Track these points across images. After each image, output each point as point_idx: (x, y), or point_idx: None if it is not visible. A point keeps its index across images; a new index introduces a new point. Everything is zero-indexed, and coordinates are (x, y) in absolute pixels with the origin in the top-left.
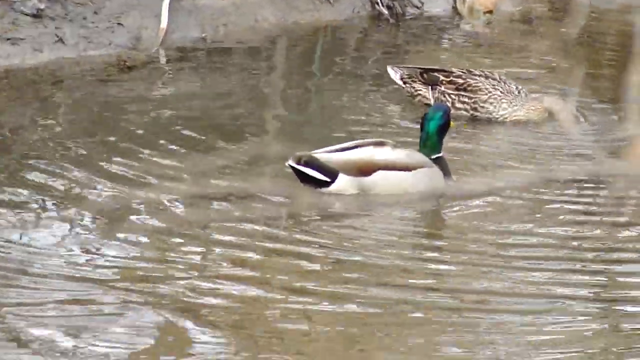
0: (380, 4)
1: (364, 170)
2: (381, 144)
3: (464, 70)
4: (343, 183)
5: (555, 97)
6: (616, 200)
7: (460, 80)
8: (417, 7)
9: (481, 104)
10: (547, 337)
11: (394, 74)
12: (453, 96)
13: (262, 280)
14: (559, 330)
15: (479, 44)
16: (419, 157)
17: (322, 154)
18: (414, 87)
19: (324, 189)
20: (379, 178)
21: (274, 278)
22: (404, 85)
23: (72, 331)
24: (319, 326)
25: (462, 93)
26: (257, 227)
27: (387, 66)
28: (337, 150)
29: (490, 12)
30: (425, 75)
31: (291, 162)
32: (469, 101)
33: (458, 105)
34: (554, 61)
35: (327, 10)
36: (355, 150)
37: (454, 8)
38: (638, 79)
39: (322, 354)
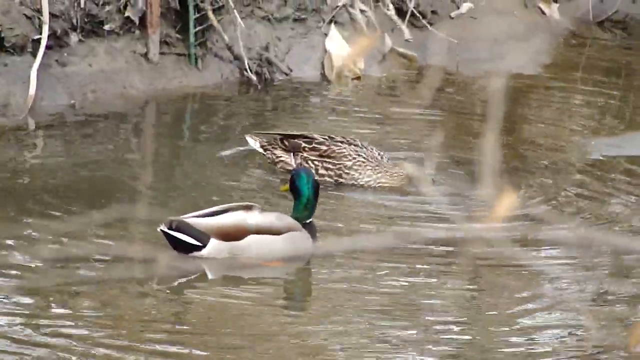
0: (248, 70)
1: (236, 234)
2: (249, 207)
3: (325, 137)
4: (215, 248)
5: (414, 163)
6: (472, 262)
7: (324, 147)
8: (286, 74)
9: (346, 171)
10: None
11: (253, 142)
12: (316, 162)
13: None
14: None
15: (346, 110)
16: (288, 220)
17: (194, 219)
18: (275, 154)
19: (196, 254)
20: (250, 242)
21: (136, 340)
22: (264, 153)
23: None
24: None
25: (326, 159)
26: (120, 292)
27: (245, 135)
28: (206, 215)
29: (358, 78)
30: (285, 142)
31: (163, 227)
32: (334, 167)
33: (322, 171)
34: (415, 125)
35: (195, 76)
36: (226, 214)
37: (323, 74)
38: (492, 143)
39: None
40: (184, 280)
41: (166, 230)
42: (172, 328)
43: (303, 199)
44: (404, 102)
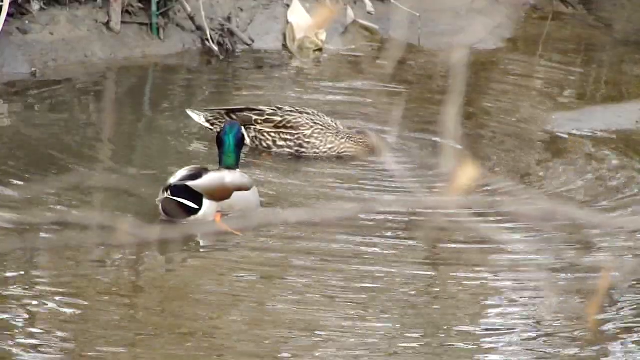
0: (210, 41)
1: (224, 194)
2: (205, 169)
3: (274, 108)
4: (209, 208)
5: (376, 132)
6: (431, 234)
7: (278, 118)
8: (248, 44)
9: (306, 140)
10: None
11: (197, 117)
12: (273, 134)
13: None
14: None
15: (308, 81)
16: (247, 177)
17: (192, 182)
18: None
19: (192, 217)
20: (237, 199)
21: (91, 308)
22: (211, 127)
23: None
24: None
25: (283, 130)
26: (77, 259)
27: (187, 110)
28: (184, 179)
29: (320, 50)
30: (233, 116)
31: (167, 195)
32: (292, 138)
33: (280, 143)
34: (377, 98)
35: (157, 46)
36: (209, 175)
37: (284, 45)
38: (454, 115)
39: None
40: (142, 247)
41: (170, 196)
42: (129, 294)
43: (226, 147)
44: (365, 74)
